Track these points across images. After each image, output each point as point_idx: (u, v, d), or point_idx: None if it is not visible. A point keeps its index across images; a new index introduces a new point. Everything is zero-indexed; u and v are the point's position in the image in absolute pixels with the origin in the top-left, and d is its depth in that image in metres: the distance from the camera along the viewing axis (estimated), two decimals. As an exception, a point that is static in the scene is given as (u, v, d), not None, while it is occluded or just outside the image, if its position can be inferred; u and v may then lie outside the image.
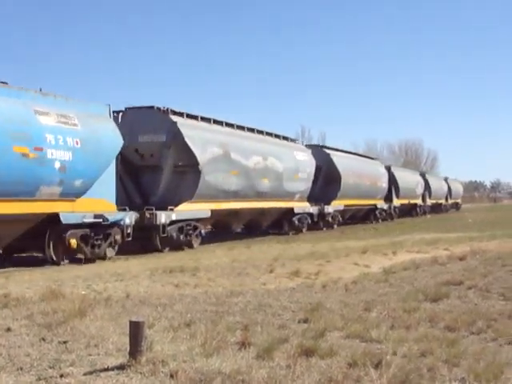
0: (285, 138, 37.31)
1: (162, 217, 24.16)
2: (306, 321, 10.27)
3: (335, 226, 42.67)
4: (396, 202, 58.77)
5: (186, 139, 25.68)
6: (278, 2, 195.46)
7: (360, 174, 46.51)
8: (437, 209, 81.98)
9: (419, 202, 70.59)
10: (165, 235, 24.43)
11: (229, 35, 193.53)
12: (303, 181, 37.11)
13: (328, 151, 43.20)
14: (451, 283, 14.64)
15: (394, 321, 10.25)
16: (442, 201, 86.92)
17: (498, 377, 7.05)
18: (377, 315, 10.80)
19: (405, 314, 10.70)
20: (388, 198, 56.22)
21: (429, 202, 75.58)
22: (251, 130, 32.66)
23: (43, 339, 8.69)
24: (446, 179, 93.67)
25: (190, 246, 26.10)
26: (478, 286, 14.18)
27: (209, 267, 17.60)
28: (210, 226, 32.51)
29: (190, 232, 26.19)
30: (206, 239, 28.63)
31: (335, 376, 6.95)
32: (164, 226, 24.28)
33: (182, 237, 25.62)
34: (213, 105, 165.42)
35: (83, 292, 12.99)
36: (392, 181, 57.21)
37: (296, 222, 36.68)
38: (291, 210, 35.90)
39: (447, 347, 8.34)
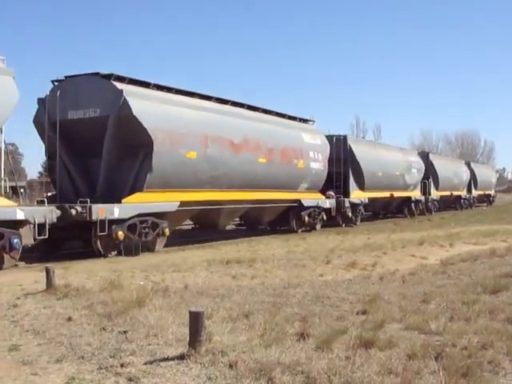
0: None
1: None
2: (364, 312, 10.26)
3: (157, 248, 21.33)
4: (356, 196, 37.20)
5: None
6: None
7: (234, 143, 24.54)
8: (452, 204, 62.40)
9: (414, 194, 48.07)
10: None
11: (281, 24, 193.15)
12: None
13: (120, 85, 20.35)
14: (510, 275, 14.43)
15: (453, 313, 10.16)
16: (462, 192, 63.92)
17: (561, 369, 6.95)
18: (435, 307, 10.72)
19: (464, 306, 10.59)
20: (339, 191, 35.50)
21: (435, 194, 53.54)
22: None
23: (103, 329, 8.83)
24: (468, 163, 70.05)
25: None
26: (539, 278, 13.96)
27: (265, 259, 17.63)
28: None
29: None
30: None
31: (395, 368, 6.92)
32: None
33: None
34: (261, 96, 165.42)
35: (141, 283, 13.12)
36: (350, 162, 36.55)
37: None
38: None
39: (508, 340, 8.24)
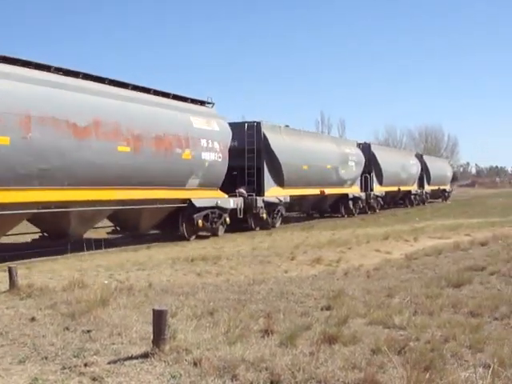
0: None
1: None
2: (328, 308, 10.28)
3: None
4: (273, 194, 30.90)
5: None
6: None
7: (77, 126, 18.48)
8: (401, 200, 57.74)
9: (352, 191, 42.10)
10: None
11: (240, 18, 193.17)
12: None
13: None
14: (474, 269, 14.58)
15: (417, 307, 10.24)
16: (412, 188, 58.20)
17: (522, 362, 7.01)
18: (399, 301, 10.78)
19: (428, 300, 10.67)
20: (252, 187, 29.85)
21: (379, 190, 47.43)
22: None
23: (67, 328, 8.75)
24: (420, 156, 64.78)
25: None
26: (501, 272, 14.10)
27: (230, 255, 17.66)
28: None
29: None
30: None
31: (359, 363, 6.97)
32: None
33: None
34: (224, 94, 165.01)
35: (105, 281, 13.04)
36: (265, 153, 30.41)
37: None
38: None
39: (471, 333, 8.33)
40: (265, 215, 29.85)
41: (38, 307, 10.26)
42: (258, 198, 29.13)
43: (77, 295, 10.83)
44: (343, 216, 40.88)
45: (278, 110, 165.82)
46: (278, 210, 31.79)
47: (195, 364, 6.90)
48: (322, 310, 10.27)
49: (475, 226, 28.74)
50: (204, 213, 24.72)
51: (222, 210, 26.05)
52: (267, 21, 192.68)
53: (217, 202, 25.50)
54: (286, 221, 34.22)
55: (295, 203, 34.43)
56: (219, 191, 26.12)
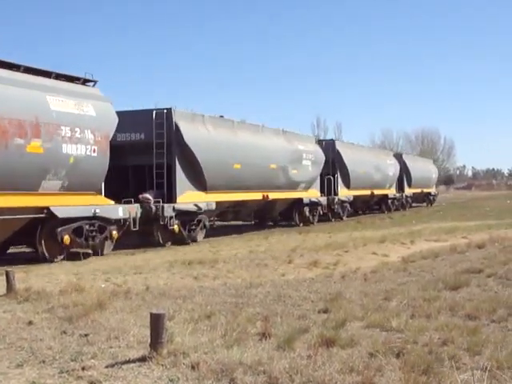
0: None
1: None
2: (325, 311, 10.28)
3: None
4: (190, 200, 24.30)
5: None
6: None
7: None
8: (377, 205, 51.46)
9: (309, 195, 35.27)
10: None
11: (233, 20, 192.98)
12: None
13: None
14: (471, 271, 14.59)
15: (415, 310, 10.23)
16: (389, 191, 51.04)
17: (520, 365, 7.01)
18: (397, 304, 10.76)
19: (425, 303, 10.66)
20: (162, 192, 23.16)
21: (345, 194, 40.93)
22: None
23: (64, 332, 8.74)
24: (399, 155, 57.91)
25: None
26: (498, 274, 14.10)
27: (227, 259, 17.65)
28: None
29: None
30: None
31: (356, 366, 6.94)
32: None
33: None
34: (218, 98, 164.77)
35: (103, 285, 13.06)
36: (178, 148, 23.69)
37: None
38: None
39: (468, 336, 8.32)
40: (177, 227, 23.59)
41: (36, 311, 10.26)
42: (165, 205, 22.87)
43: (74, 299, 10.84)
44: (297, 225, 34.58)
45: (274, 114, 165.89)
46: (199, 221, 25.25)
47: (193, 367, 6.89)
48: (319, 313, 10.27)
49: (472, 228, 28.81)
50: (74, 225, 18.74)
51: (105, 221, 19.93)
52: (265, 21, 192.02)
53: (95, 211, 19.29)
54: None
55: (229, 211, 28.86)
56: (100, 197, 20.02)
